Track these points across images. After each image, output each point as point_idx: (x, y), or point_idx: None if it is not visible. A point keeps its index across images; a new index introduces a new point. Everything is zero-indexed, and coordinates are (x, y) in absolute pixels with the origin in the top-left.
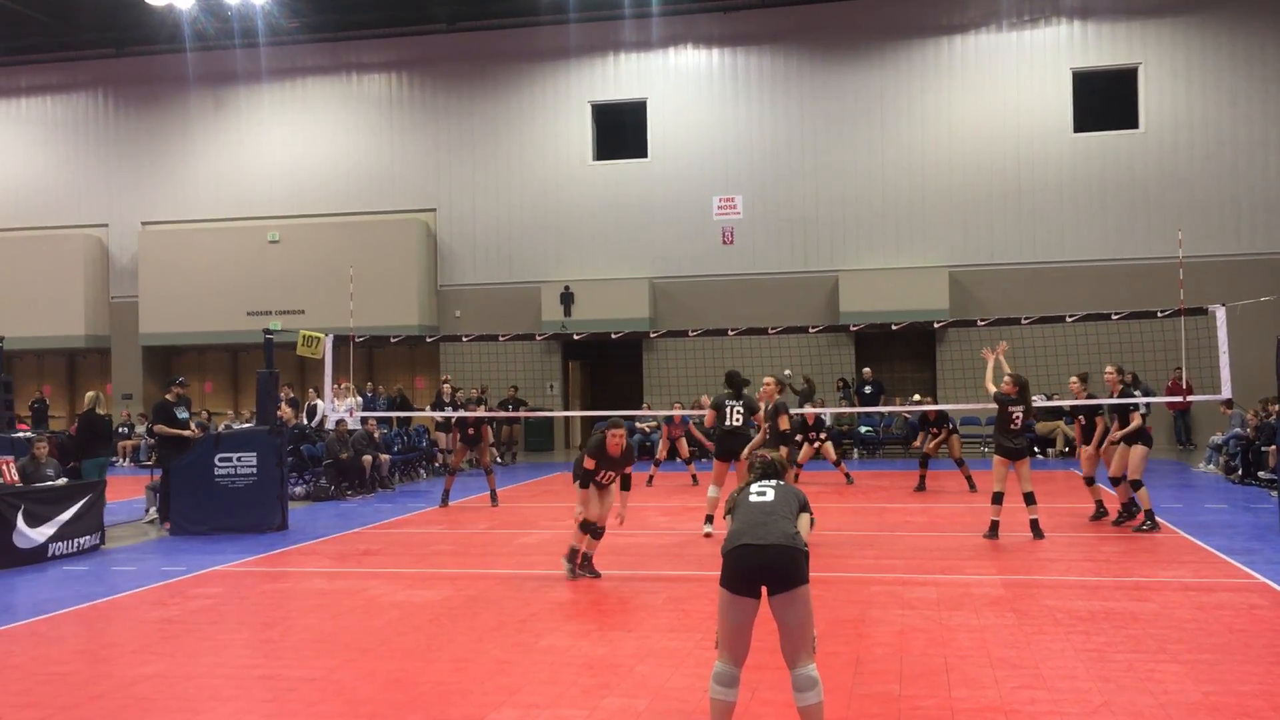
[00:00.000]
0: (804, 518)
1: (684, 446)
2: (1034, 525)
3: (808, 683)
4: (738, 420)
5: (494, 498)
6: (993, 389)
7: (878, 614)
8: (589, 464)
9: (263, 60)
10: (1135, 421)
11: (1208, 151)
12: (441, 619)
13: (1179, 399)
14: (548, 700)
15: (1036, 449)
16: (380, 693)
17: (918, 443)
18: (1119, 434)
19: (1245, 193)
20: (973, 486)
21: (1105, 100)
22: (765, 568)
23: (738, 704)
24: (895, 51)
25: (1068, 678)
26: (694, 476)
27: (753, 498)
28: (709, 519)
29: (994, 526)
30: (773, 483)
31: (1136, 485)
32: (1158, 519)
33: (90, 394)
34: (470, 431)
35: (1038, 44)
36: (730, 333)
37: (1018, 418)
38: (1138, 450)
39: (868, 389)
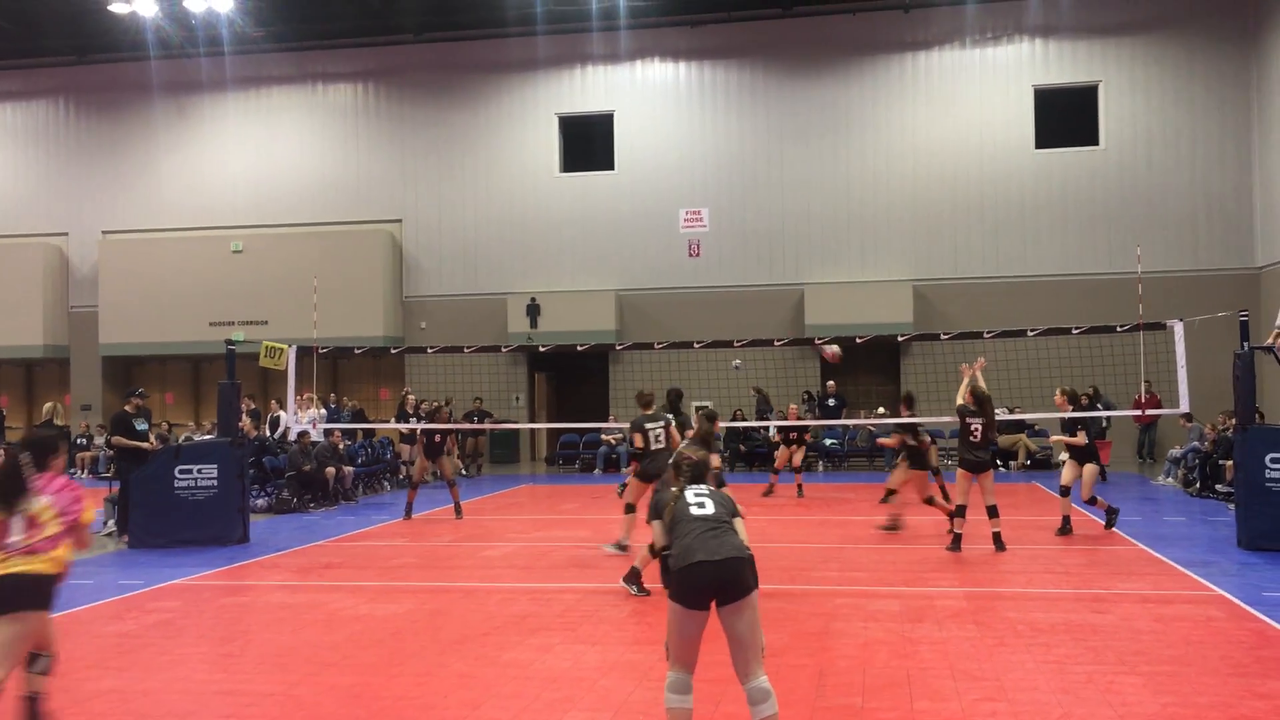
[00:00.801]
0: (739, 522)
1: None
2: (996, 538)
3: (762, 694)
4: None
5: (458, 510)
6: (960, 402)
7: (841, 626)
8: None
9: (227, 69)
10: (1079, 440)
11: (1166, 168)
12: (404, 633)
13: (1141, 412)
14: (510, 714)
15: (999, 462)
16: (341, 708)
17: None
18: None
19: (1203, 209)
20: (947, 498)
21: (1066, 117)
22: (720, 581)
23: (701, 716)
24: (860, 67)
25: (1029, 689)
26: None
27: (693, 510)
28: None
29: (957, 539)
30: (705, 489)
31: (1091, 500)
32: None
33: (48, 405)
34: (437, 439)
35: (1000, 61)
36: (696, 345)
37: (976, 430)
38: (1089, 469)
39: (831, 402)
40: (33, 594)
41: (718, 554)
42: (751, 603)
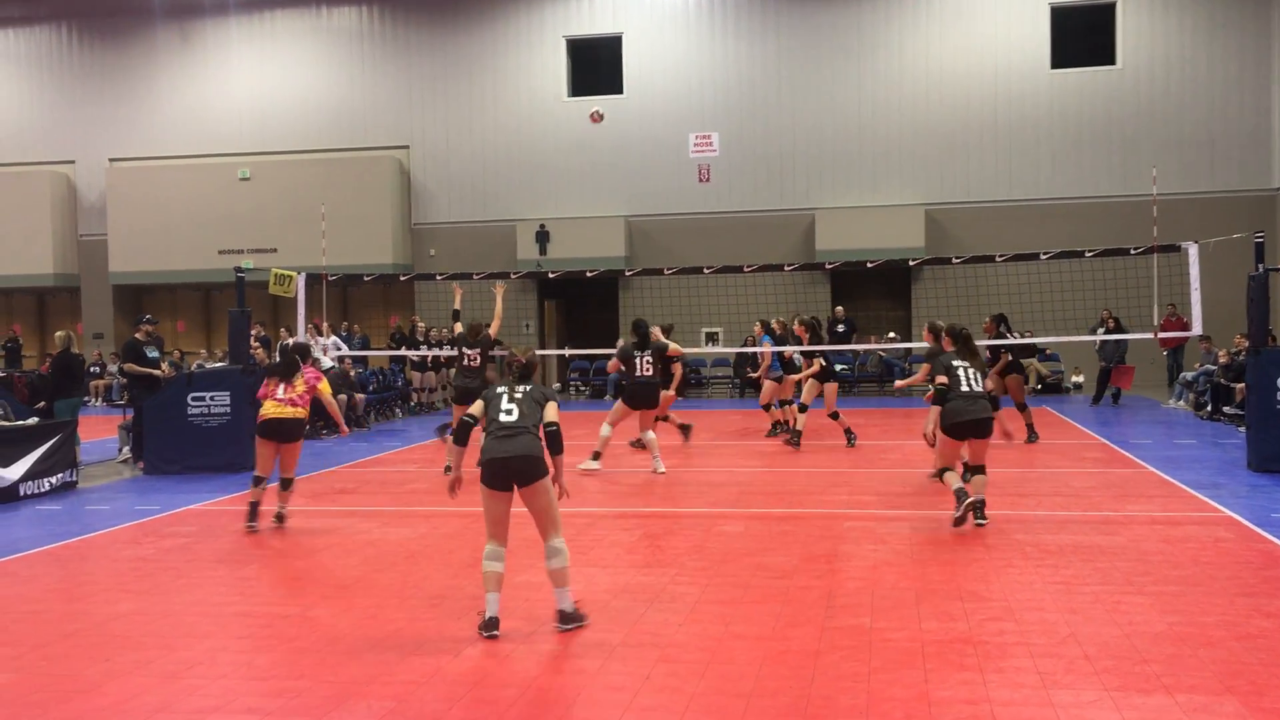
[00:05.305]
0: (550, 408)
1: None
2: (1030, 429)
3: (553, 551)
4: (648, 370)
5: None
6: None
7: (850, 549)
8: None
9: None
10: (815, 368)
11: (1183, 89)
12: (417, 556)
13: (1174, 335)
14: (524, 635)
15: None
16: (357, 628)
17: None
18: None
19: (1220, 130)
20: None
21: (1083, 36)
22: (510, 472)
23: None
24: None
25: (1036, 609)
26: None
27: (502, 416)
28: (595, 455)
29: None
30: (520, 391)
31: (803, 408)
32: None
33: (61, 333)
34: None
35: None
36: (706, 271)
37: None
38: (830, 388)
39: (841, 327)
40: (291, 430)
41: (509, 452)
42: (540, 487)
